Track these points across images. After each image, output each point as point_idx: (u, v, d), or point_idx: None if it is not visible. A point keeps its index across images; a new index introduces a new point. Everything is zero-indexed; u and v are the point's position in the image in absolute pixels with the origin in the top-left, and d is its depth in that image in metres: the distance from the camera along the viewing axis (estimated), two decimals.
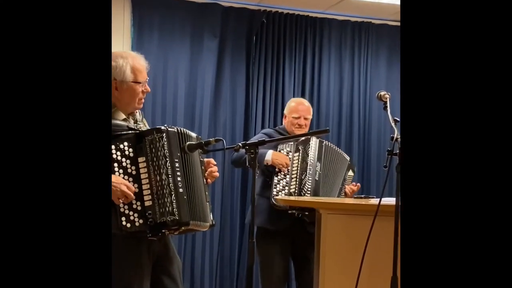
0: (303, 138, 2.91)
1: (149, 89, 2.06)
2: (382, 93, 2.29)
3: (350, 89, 4.58)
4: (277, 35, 4.40)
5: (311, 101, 4.52)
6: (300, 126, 3.05)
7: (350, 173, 3.13)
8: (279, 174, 2.88)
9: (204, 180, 2.08)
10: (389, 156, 2.02)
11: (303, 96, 4.49)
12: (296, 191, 2.84)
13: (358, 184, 3.18)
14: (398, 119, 2.05)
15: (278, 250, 2.95)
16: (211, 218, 2.08)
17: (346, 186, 3.11)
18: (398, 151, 1.98)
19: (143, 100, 2.05)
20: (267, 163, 2.90)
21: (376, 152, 4.58)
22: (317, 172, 2.87)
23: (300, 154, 2.89)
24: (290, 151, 2.91)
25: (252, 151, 2.02)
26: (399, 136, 2.00)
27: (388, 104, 2.24)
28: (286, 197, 2.79)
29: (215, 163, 2.20)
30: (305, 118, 3.07)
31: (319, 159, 2.90)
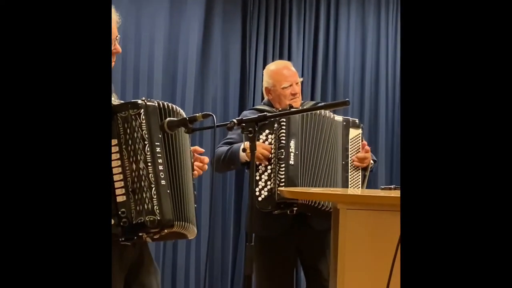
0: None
1: (119, 49, 2.03)
2: None
3: (376, 50, 4.60)
4: None
5: (325, 66, 4.53)
6: (294, 95, 3.02)
7: (352, 133, 2.97)
8: (259, 167, 2.83)
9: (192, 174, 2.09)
10: None
11: (315, 60, 4.49)
12: (274, 185, 2.78)
13: (366, 147, 2.95)
14: None
15: (277, 262, 2.95)
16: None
17: (354, 159, 2.93)
18: None
19: (112, 64, 2.02)
20: (245, 161, 2.83)
21: None
22: (292, 154, 2.79)
23: (275, 135, 2.82)
24: (270, 132, 2.84)
25: (250, 129, 2.00)
26: None
27: None
28: (294, 189, 2.74)
29: (202, 150, 2.19)
30: (297, 83, 3.04)
31: (293, 135, 2.80)
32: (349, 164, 2.94)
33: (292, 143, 2.80)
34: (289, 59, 4.37)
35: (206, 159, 2.20)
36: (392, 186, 2.83)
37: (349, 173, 2.93)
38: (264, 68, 4.27)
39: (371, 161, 3.00)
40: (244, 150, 2.78)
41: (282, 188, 2.74)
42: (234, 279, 4.36)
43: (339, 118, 2.96)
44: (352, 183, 2.93)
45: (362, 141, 2.99)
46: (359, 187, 2.95)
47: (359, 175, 2.97)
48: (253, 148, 2.00)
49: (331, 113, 2.94)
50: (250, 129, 2.00)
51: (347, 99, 2.20)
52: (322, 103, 3.06)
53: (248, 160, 2.79)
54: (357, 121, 3.03)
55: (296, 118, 2.83)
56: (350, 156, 2.94)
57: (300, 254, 3.02)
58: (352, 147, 2.96)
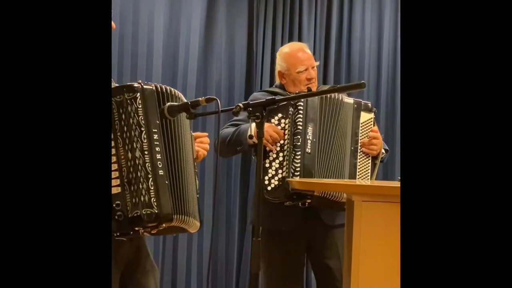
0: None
1: (114, 25, 2.00)
2: None
3: (394, 29, 4.55)
4: None
5: (339, 48, 4.55)
6: (310, 80, 2.99)
7: (364, 117, 2.93)
8: (270, 154, 2.81)
9: (194, 162, 2.09)
10: None
11: (328, 42, 4.48)
12: (287, 174, 2.76)
13: (374, 133, 2.90)
14: None
15: (286, 259, 2.92)
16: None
17: (363, 143, 2.89)
18: None
19: None
20: (253, 143, 2.78)
21: None
22: (309, 141, 2.77)
23: (290, 119, 2.80)
24: (284, 117, 2.82)
25: (257, 114, 1.98)
26: None
27: None
28: (303, 180, 2.72)
29: (204, 134, 2.20)
30: (313, 67, 3.02)
31: (311, 120, 2.78)
32: (359, 150, 2.91)
33: (309, 130, 2.78)
34: (300, 40, 4.34)
35: (207, 138, 2.19)
36: None
37: (358, 160, 2.89)
38: (272, 50, 4.34)
39: (383, 151, 2.96)
40: (251, 136, 2.73)
41: (291, 179, 2.73)
42: (240, 277, 4.34)
43: (349, 100, 2.92)
44: (360, 171, 2.90)
45: (374, 125, 2.95)
46: (368, 176, 2.92)
47: (369, 163, 2.93)
48: (260, 135, 1.98)
49: (341, 95, 2.90)
50: (258, 114, 1.98)
51: (362, 81, 2.16)
52: (336, 86, 3.02)
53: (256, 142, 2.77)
54: (369, 104, 3.00)
55: (314, 102, 2.80)
56: (360, 141, 2.91)
57: (310, 250, 3.00)
58: (362, 132, 2.93)
